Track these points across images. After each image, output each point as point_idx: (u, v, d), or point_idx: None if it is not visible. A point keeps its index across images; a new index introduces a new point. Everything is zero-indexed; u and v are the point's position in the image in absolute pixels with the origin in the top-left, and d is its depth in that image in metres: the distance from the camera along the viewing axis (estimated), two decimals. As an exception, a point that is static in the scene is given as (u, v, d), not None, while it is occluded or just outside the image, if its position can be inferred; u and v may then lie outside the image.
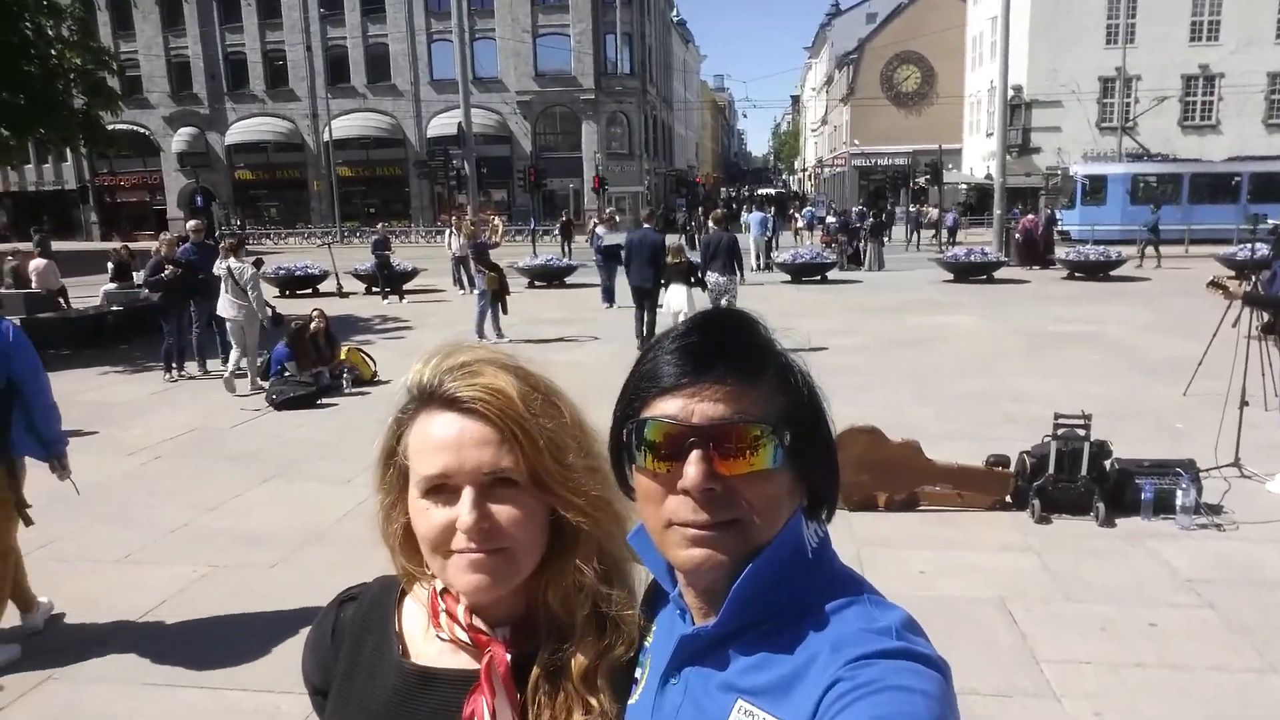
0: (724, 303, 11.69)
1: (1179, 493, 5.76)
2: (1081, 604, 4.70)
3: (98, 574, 5.35)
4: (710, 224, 13.58)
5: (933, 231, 33.58)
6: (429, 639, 1.10)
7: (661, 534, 0.93)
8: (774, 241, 27.53)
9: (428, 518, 1.02)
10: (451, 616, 1.07)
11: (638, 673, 1.06)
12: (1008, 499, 6.12)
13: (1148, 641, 4.31)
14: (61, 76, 17.49)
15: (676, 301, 11.47)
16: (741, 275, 12.87)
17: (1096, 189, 30.85)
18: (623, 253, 13.19)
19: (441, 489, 1.02)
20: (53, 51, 17.41)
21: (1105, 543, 5.53)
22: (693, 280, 11.78)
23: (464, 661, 1.07)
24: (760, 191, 72.66)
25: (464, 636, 1.07)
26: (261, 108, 49.02)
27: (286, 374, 10.23)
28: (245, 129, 48.81)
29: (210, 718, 3.78)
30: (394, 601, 1.15)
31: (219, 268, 10.75)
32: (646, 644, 1.07)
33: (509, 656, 1.06)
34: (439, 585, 1.09)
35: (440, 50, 46.65)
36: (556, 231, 34.04)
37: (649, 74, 51.26)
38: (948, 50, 51.39)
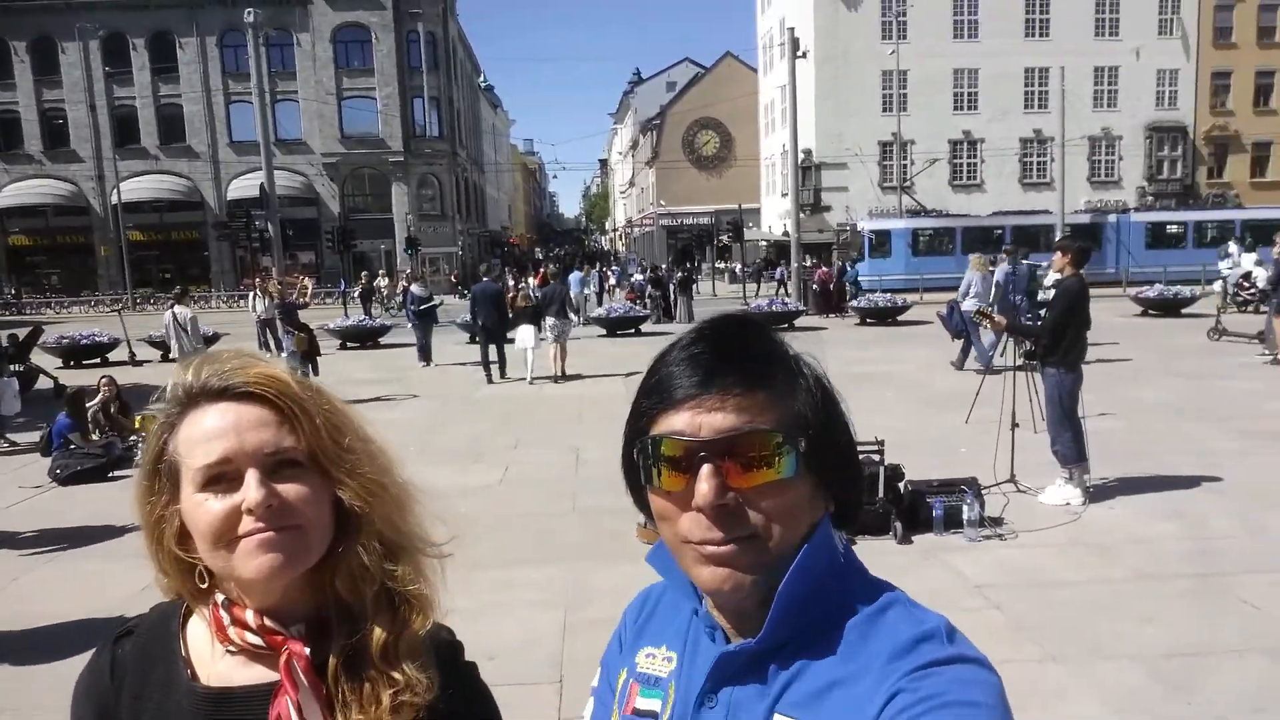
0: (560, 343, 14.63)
1: (965, 508, 6.30)
2: (886, 614, 5.04)
3: None
4: (533, 281, 16.09)
5: (739, 284, 35.33)
6: (218, 657, 1.04)
7: (681, 552, 0.89)
8: (600, 296, 28.35)
9: (207, 509, 0.97)
10: (240, 624, 1.01)
11: (655, 705, 0.98)
12: (817, 524, 6.47)
13: (944, 641, 4.68)
14: None
15: (525, 338, 14.39)
16: (576, 318, 15.63)
17: (882, 242, 33.52)
18: (469, 301, 16.31)
19: (221, 478, 0.97)
20: None
21: (904, 558, 5.97)
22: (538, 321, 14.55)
23: (259, 674, 1.02)
24: (584, 252, 74.00)
25: (257, 640, 1.01)
26: (39, 169, 45.28)
27: (71, 446, 9.42)
28: (18, 191, 44.84)
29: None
30: (177, 627, 1.07)
31: None
32: (658, 673, 1.00)
33: (308, 652, 1.01)
34: (220, 599, 1.03)
35: (239, 111, 44.88)
36: (356, 296, 32.60)
37: (459, 137, 51.34)
38: (743, 116, 54.71)
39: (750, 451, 0.84)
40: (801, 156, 30.95)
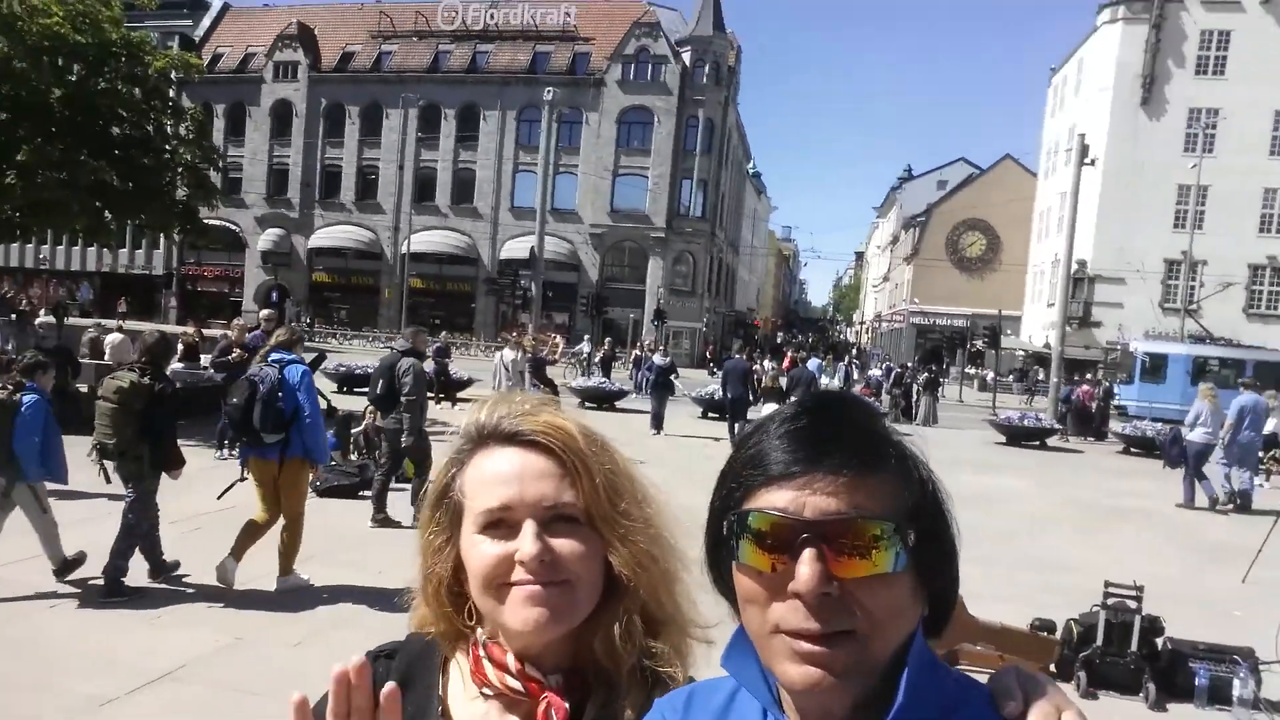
0: None
1: (1236, 682, 5.45)
2: (1126, 785, 4.42)
3: (125, 630, 5.37)
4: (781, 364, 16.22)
5: (990, 391, 33.42)
6: (470, 698, 1.04)
7: (767, 643, 0.82)
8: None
9: (482, 553, 0.99)
10: (500, 666, 1.02)
11: None
12: (1052, 667, 5.86)
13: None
14: (170, 169, 18.71)
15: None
16: None
17: (1156, 367, 30.50)
18: (720, 376, 18.34)
19: (500, 524, 1.00)
20: (167, 146, 18.70)
21: (1154, 725, 5.24)
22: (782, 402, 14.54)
23: None
24: (826, 341, 73.41)
25: (516, 684, 1.01)
26: (348, 216, 51.43)
27: (332, 463, 10.36)
28: (329, 234, 51.11)
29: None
30: (438, 664, 1.08)
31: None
32: None
33: (567, 707, 1.00)
34: (481, 638, 1.04)
35: (523, 180, 48.73)
36: (597, 361, 30.32)
37: (719, 218, 52.82)
38: (1014, 220, 52.24)
39: (858, 539, 0.78)
40: (1075, 267, 28.98)
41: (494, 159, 49.49)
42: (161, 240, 40.47)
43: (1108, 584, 5.90)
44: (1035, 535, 10.46)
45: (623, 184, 48.42)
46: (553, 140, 27.98)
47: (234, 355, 11.63)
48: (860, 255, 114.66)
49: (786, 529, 0.79)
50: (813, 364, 27.10)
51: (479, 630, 1.05)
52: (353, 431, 10.90)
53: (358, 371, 21.72)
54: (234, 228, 50.28)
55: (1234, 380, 29.73)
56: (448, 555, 1.05)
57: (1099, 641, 5.71)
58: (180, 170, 18.98)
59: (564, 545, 0.99)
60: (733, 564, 0.84)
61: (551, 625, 0.98)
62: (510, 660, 1.02)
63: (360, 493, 9.91)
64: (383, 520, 8.66)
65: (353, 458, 10.70)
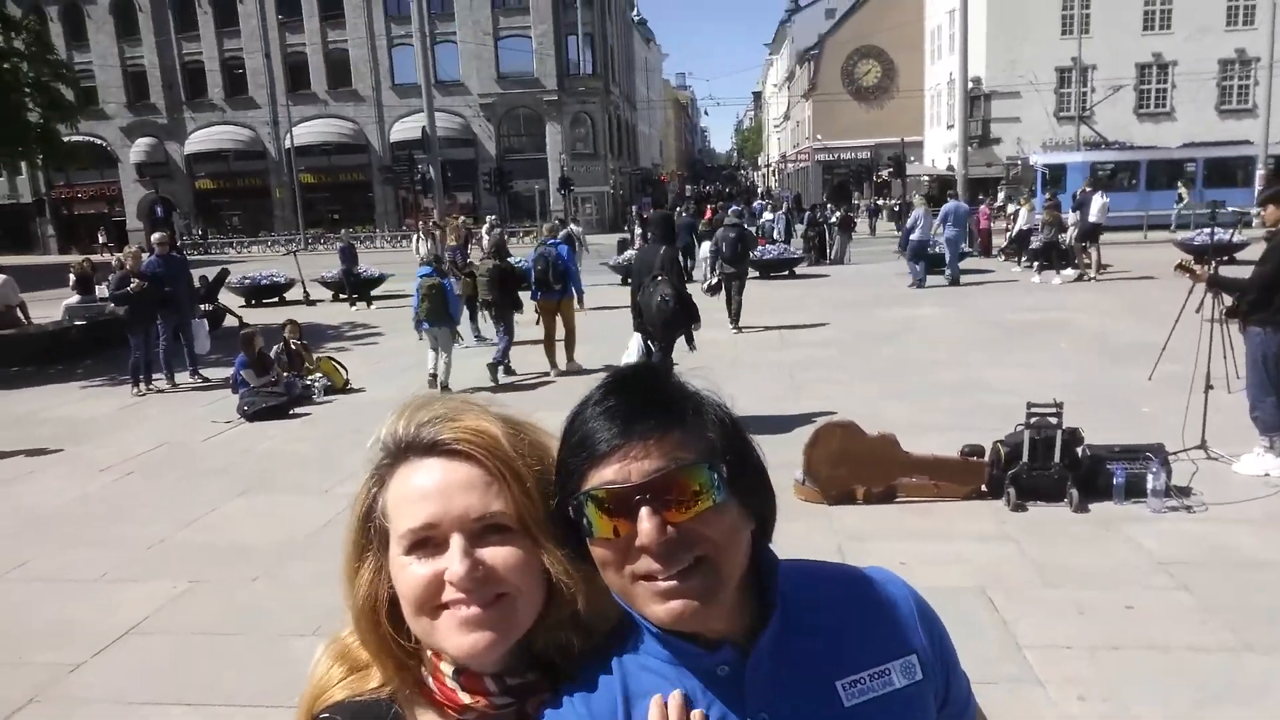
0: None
1: (1150, 477, 5.86)
2: (1060, 589, 4.78)
3: (75, 594, 5.27)
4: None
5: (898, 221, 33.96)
6: None
7: (631, 594, 0.92)
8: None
9: (411, 575, 0.94)
10: (477, 691, 0.97)
11: None
12: (983, 488, 6.20)
13: (1126, 624, 4.39)
14: (17, 90, 17.17)
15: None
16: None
17: (1056, 177, 31.32)
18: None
19: (427, 542, 0.94)
20: (6, 65, 17.08)
21: (1080, 528, 5.63)
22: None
23: None
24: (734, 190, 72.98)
25: (504, 699, 0.98)
26: (221, 116, 48.38)
27: (247, 384, 10.04)
28: (205, 137, 48.14)
29: (199, 736, 3.75)
30: None
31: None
32: None
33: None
34: (446, 669, 0.98)
35: (401, 55, 46.30)
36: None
37: (611, 74, 51.21)
38: (907, 44, 51.83)
39: (682, 487, 0.89)
40: (970, 85, 29.07)
41: (365, 35, 46.76)
42: (24, 166, 37.52)
43: (1030, 405, 6.20)
44: (956, 361, 10.87)
45: (506, 48, 46.40)
46: (425, 7, 26.37)
47: (133, 285, 10.99)
48: (758, 96, 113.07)
49: (620, 497, 0.89)
50: (733, 210, 26.97)
51: (441, 663, 0.98)
52: (274, 350, 10.56)
53: (264, 282, 20.96)
54: (100, 142, 46.91)
55: (1129, 182, 30.88)
56: (384, 579, 0.98)
57: (1025, 459, 6.05)
58: (28, 90, 17.43)
59: (497, 556, 0.94)
60: (587, 541, 0.93)
61: (492, 647, 0.94)
62: (488, 681, 0.97)
63: (290, 411, 9.72)
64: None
65: (281, 374, 10.36)
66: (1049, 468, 6.01)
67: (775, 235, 26.20)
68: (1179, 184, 29.89)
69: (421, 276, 10.36)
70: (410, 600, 0.95)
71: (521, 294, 11.37)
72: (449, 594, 0.93)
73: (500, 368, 10.89)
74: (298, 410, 9.82)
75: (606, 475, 0.90)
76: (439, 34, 45.04)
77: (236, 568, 5.51)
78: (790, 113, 75.25)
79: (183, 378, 11.67)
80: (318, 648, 1.09)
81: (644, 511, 0.88)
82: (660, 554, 0.89)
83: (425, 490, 0.95)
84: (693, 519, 0.89)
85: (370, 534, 0.99)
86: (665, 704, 0.94)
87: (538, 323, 11.29)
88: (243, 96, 48.05)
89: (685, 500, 0.89)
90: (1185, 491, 6.01)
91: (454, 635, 0.94)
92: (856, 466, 6.16)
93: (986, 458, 6.29)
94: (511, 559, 0.95)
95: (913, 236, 18.52)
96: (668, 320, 8.18)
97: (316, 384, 10.44)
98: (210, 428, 9.33)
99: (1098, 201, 18.56)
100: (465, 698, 0.97)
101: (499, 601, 0.94)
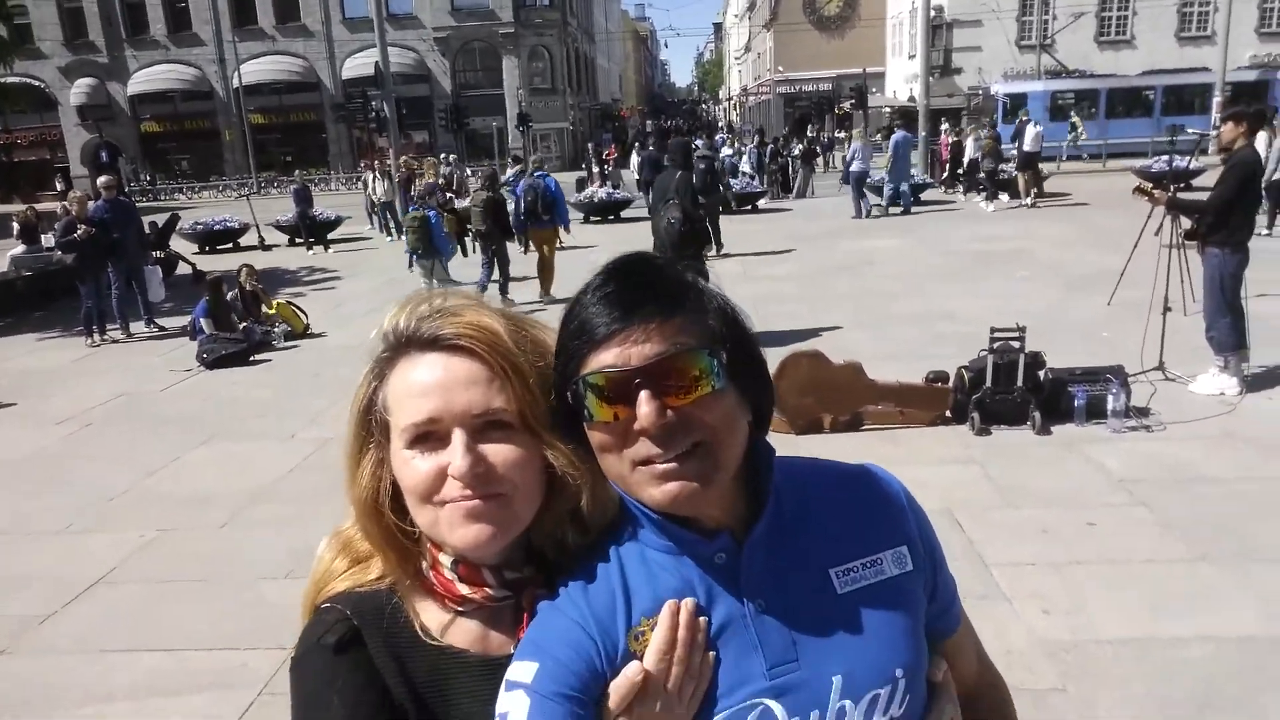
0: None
1: (1109, 398, 5.99)
2: (1023, 510, 4.90)
3: (39, 546, 5.21)
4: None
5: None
6: (451, 624, 1.00)
7: (630, 480, 0.93)
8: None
9: (414, 469, 0.95)
10: (474, 581, 0.98)
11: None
12: (948, 414, 6.30)
13: (1087, 540, 4.52)
14: (-57, 28, 16.40)
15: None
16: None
17: (1018, 106, 31.25)
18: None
19: (429, 436, 0.95)
20: (-71, 0, 16.28)
21: (1042, 450, 5.75)
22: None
23: (504, 636, 1.00)
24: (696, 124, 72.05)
25: (502, 592, 0.99)
26: (165, 54, 46.51)
27: (206, 331, 9.85)
28: (148, 77, 46.34)
29: (175, 679, 3.73)
30: (401, 612, 1.00)
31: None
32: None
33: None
34: (445, 560, 0.99)
35: (351, -15, 44.82)
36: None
37: (569, 5, 49.99)
38: (869, -30, 51.09)
39: (682, 371, 0.89)
40: (932, 14, 28.74)
41: (313, -36, 45.04)
42: (-44, 111, 36.04)
43: (993, 329, 6.27)
44: (918, 291, 10.95)
45: (459, -24, 45.00)
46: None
47: (80, 232, 10.65)
48: (719, 27, 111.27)
49: (620, 381, 0.89)
50: (701, 143, 26.68)
51: (441, 554, 0.99)
52: (230, 295, 10.35)
53: (216, 227, 20.43)
54: (38, 83, 45.03)
55: (1089, 110, 30.94)
56: (386, 470, 0.99)
57: (988, 383, 6.14)
58: (-44, 29, 16.66)
59: (498, 453, 0.94)
60: (585, 426, 0.93)
61: (494, 540, 0.95)
62: (486, 574, 0.99)
63: (251, 357, 9.57)
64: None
65: (237, 321, 10.17)
66: (1012, 392, 6.11)
67: (747, 169, 25.95)
68: (1071, 115, 29.96)
69: (411, 211, 11.01)
70: (414, 492, 0.96)
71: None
72: (450, 489, 0.94)
73: (483, 292, 10.86)
74: (258, 357, 9.67)
75: (606, 359, 0.90)
76: (391, -36, 43.55)
77: (204, 515, 5.46)
78: (751, 44, 74.15)
79: (138, 327, 11.41)
80: (320, 544, 1.10)
81: (643, 395, 0.88)
82: (659, 437, 0.89)
83: (426, 385, 0.95)
84: (692, 404, 0.90)
85: (371, 427, 1.00)
86: (676, 609, 0.94)
87: (525, 252, 11.78)
88: (187, 33, 46.18)
89: (685, 385, 0.90)
90: (1144, 412, 6.15)
91: (456, 527, 0.95)
92: (823, 395, 6.20)
93: (951, 383, 6.38)
94: (512, 455, 0.95)
95: (851, 168, 18.95)
96: (674, 242, 8.28)
97: (276, 329, 10.27)
98: (169, 377, 9.16)
99: (1031, 131, 19.23)
100: (463, 589, 0.99)
101: (499, 499, 0.95)
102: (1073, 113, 30.01)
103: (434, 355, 0.96)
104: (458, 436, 0.93)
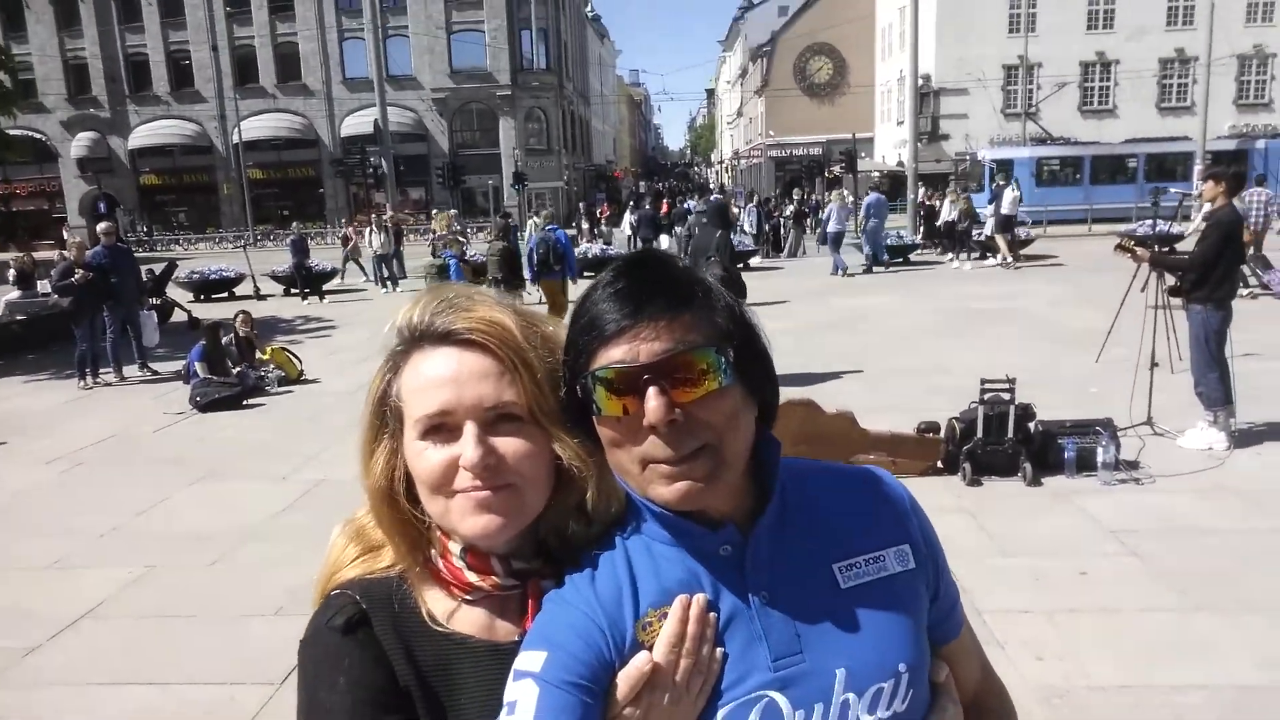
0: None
1: (1099, 450, 6.02)
2: (1015, 558, 4.90)
3: (29, 581, 5.15)
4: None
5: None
6: (457, 612, 1.02)
7: (639, 476, 0.94)
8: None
9: (427, 459, 0.97)
10: (482, 570, 1.00)
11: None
12: (939, 464, 6.32)
13: (1079, 589, 4.52)
14: (-50, 80, 16.63)
15: None
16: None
17: (1004, 173, 31.92)
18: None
19: (441, 428, 0.97)
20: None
21: (1033, 500, 5.77)
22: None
23: (511, 625, 1.02)
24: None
25: (509, 581, 1.01)
26: (166, 110, 47.25)
27: (200, 376, 9.84)
28: (149, 132, 46.98)
29: (162, 713, 3.68)
30: (409, 599, 1.02)
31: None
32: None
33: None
34: (455, 548, 1.01)
35: (352, 48, 45.71)
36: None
37: (565, 69, 51.05)
38: (858, 41, 52.41)
39: (689, 368, 0.91)
40: (920, 82, 29.46)
41: (315, 29, 46.02)
42: (-43, 160, 36.32)
43: (983, 380, 6.34)
44: (911, 346, 11.04)
45: (459, 42, 45.98)
46: (376, 1, 26.06)
47: (77, 276, 10.71)
48: (711, 93, 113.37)
49: (629, 376, 0.90)
50: (691, 204, 27.16)
51: (450, 543, 1.02)
52: (225, 340, 10.38)
53: (213, 277, 20.58)
54: (39, 136, 45.57)
55: (1073, 177, 31.53)
56: (400, 459, 1.02)
57: (979, 434, 6.18)
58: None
59: (508, 445, 0.97)
60: (594, 420, 0.95)
61: (503, 530, 0.98)
62: (494, 563, 1.01)
63: (244, 401, 9.56)
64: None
65: (231, 366, 10.20)
66: (1003, 443, 6.14)
67: (747, 228, 26.37)
68: (997, 179, 28.57)
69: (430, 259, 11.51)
70: (426, 482, 0.99)
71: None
72: (462, 478, 0.97)
73: None
74: (251, 401, 9.66)
75: (615, 355, 0.91)
76: (391, 28, 44.53)
77: (193, 553, 5.41)
78: (743, 109, 75.60)
79: (131, 370, 11.40)
80: (334, 530, 1.12)
81: (651, 390, 0.90)
82: (667, 437, 0.90)
83: (439, 378, 0.98)
84: (698, 400, 0.91)
85: (385, 417, 1.03)
86: (688, 603, 0.96)
87: (539, 301, 12.24)
88: (189, 90, 46.98)
89: (692, 380, 0.91)
90: (1133, 465, 6.19)
91: (467, 517, 0.97)
92: (816, 444, 6.21)
93: (942, 434, 6.42)
94: (522, 448, 0.98)
95: (829, 228, 19.79)
96: None
97: (270, 374, 10.28)
98: (161, 419, 9.14)
99: (1008, 195, 19.89)
100: (472, 577, 1.01)
101: (509, 490, 0.97)
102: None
103: (447, 349, 0.99)
104: (469, 429, 0.96)
